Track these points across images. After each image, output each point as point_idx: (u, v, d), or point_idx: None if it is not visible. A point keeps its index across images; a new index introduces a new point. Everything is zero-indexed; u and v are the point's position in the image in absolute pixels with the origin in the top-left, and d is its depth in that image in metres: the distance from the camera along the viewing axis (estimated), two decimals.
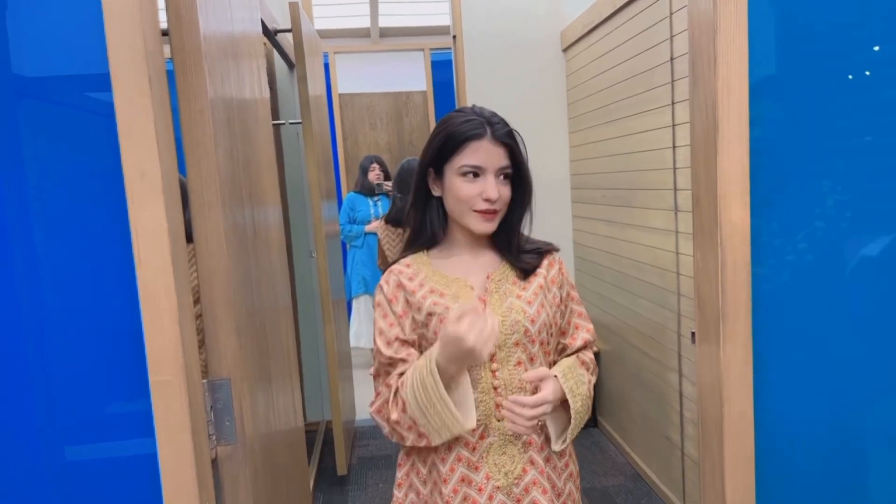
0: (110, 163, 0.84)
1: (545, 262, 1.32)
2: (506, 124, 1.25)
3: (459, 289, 1.26)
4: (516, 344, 1.24)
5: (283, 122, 3.47)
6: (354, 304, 4.79)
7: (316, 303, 3.65)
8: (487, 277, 1.28)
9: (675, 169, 2.46)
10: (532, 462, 1.25)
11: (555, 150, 3.65)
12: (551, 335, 1.30)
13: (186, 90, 0.97)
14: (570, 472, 1.34)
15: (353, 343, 4.69)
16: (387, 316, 1.27)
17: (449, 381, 1.16)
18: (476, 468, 1.23)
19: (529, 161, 1.29)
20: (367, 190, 4.66)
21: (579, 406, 1.24)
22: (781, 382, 0.99)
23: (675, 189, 2.46)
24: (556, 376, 1.24)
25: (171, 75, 0.95)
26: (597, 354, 3.53)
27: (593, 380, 1.34)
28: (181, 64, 0.96)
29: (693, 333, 1.27)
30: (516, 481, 1.23)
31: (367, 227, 4.62)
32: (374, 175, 4.64)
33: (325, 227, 3.03)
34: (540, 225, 1.37)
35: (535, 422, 1.18)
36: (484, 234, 1.27)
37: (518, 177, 1.26)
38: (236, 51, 1.33)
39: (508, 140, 1.23)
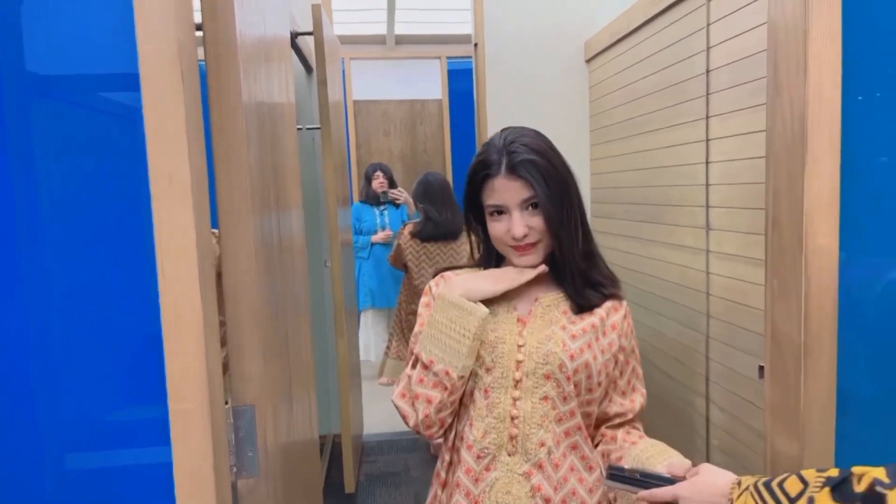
0: (135, 166, 0.76)
1: (608, 304, 1.20)
2: (526, 151, 1.13)
3: (500, 307, 1.19)
4: (546, 377, 1.13)
5: (300, 126, 3.39)
6: (362, 317, 4.65)
7: (327, 313, 3.56)
8: (535, 300, 1.20)
9: (707, 185, 2.36)
10: None
11: (575, 162, 3.53)
12: (597, 384, 1.16)
13: (218, 87, 0.88)
14: None
15: (362, 356, 4.59)
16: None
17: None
18: (476, 502, 1.14)
19: None
20: (373, 199, 4.45)
21: None
22: (868, 427, 0.89)
23: (708, 206, 2.37)
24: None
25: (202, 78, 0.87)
26: None
27: None
28: (214, 58, 0.88)
29: (761, 367, 1.18)
30: None
31: (374, 238, 4.42)
32: (378, 183, 4.43)
33: (340, 235, 2.94)
34: None
35: None
36: (529, 266, 1.18)
37: (549, 208, 1.13)
38: (268, 53, 1.25)
39: (522, 172, 1.12)
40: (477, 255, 1.30)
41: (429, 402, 1.12)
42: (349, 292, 3.27)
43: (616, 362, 1.19)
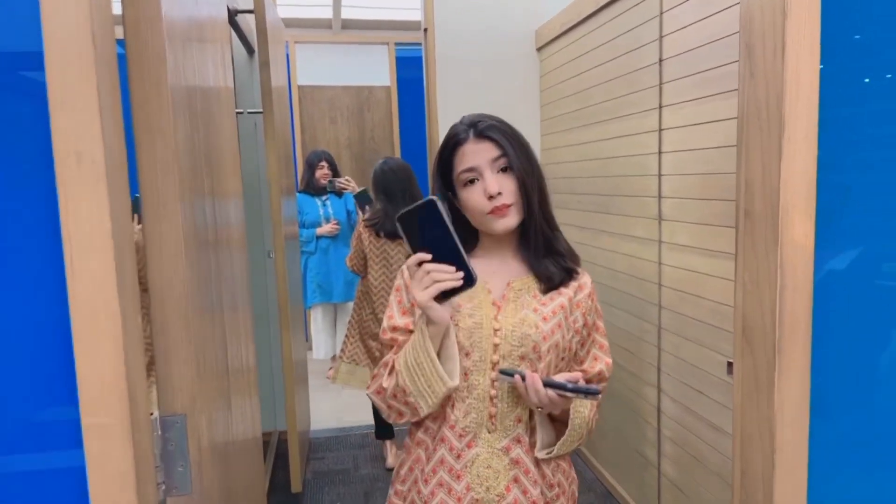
0: (37, 141, 0.65)
1: (574, 284, 1.27)
2: (490, 120, 1.23)
3: (476, 290, 1.21)
4: (521, 358, 1.19)
5: (240, 111, 3.23)
6: (311, 313, 4.48)
7: (270, 307, 3.43)
8: (508, 284, 1.24)
9: (660, 175, 2.35)
10: (516, 480, 1.21)
11: None
12: (563, 360, 1.24)
13: (140, 60, 0.77)
14: (557, 493, 1.25)
15: (311, 353, 4.43)
16: (402, 302, 1.27)
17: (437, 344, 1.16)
18: (458, 476, 1.20)
19: None
20: (315, 189, 4.20)
21: (577, 424, 1.20)
22: (840, 427, 0.86)
23: (660, 196, 2.36)
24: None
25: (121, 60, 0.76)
26: None
27: (595, 417, 1.27)
28: (134, 23, 0.77)
29: (729, 364, 1.15)
30: (498, 499, 1.20)
31: (320, 231, 4.21)
32: (322, 174, 4.19)
33: (285, 226, 2.81)
34: None
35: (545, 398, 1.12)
36: (507, 232, 1.22)
37: (518, 168, 1.20)
38: (201, 32, 1.13)
39: (491, 133, 1.20)
40: None
41: (400, 415, 1.22)
42: (294, 285, 3.15)
43: (580, 338, 1.27)
